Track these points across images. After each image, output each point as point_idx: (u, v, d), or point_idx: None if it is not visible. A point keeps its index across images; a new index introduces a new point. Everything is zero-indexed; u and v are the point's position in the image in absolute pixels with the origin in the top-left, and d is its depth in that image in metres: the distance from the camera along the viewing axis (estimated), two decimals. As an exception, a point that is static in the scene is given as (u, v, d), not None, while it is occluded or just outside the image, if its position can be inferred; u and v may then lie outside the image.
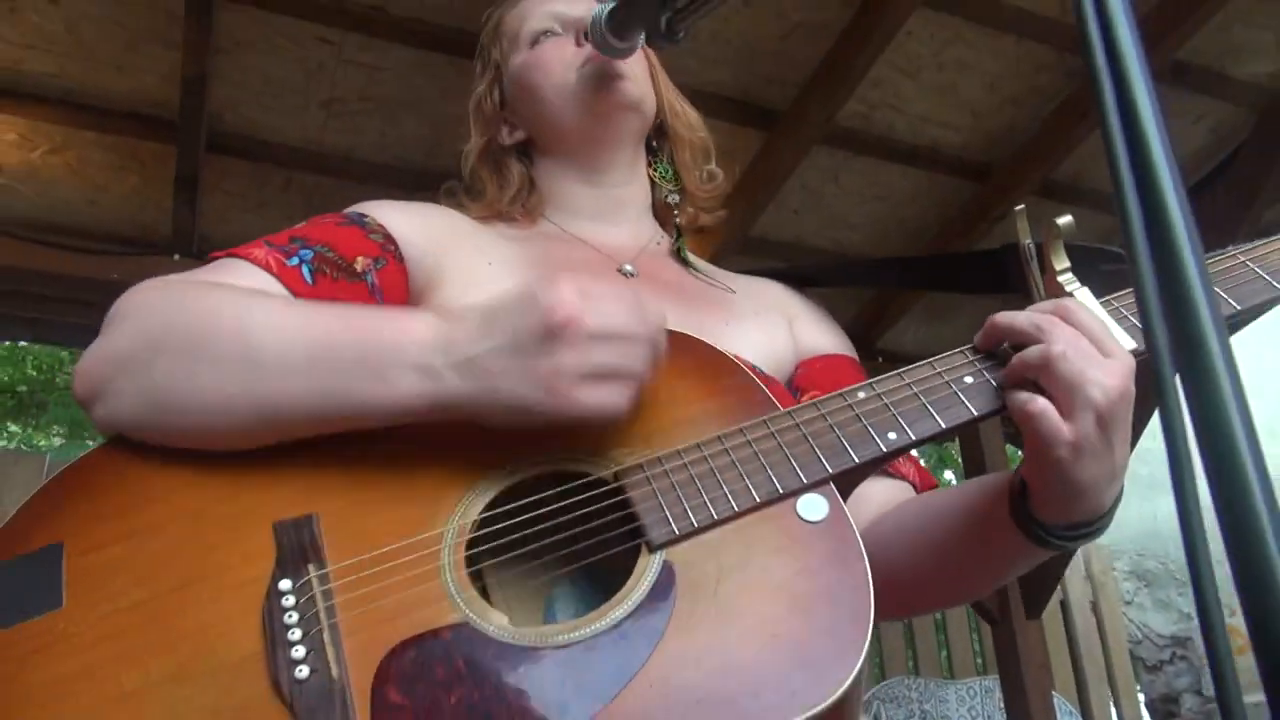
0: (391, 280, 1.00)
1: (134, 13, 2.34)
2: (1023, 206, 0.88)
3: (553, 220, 1.21)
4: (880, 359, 3.89)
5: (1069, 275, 0.85)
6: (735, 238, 3.15)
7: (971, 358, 0.86)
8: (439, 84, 2.65)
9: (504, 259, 1.09)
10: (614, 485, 0.80)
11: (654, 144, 1.29)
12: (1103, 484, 0.81)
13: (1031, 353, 0.80)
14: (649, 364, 0.79)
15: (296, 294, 0.91)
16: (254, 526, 0.79)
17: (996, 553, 0.93)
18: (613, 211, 1.22)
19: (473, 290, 1.00)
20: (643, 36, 1.09)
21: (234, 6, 2.32)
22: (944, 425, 0.82)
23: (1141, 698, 5.68)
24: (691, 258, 1.24)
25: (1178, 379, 0.42)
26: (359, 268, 0.97)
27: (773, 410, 0.84)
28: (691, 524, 0.77)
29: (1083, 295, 0.85)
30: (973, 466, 3.88)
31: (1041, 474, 0.82)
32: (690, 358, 0.87)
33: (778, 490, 0.78)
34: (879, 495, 1.06)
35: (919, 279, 1.34)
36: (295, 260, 0.94)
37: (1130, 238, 0.43)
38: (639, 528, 0.77)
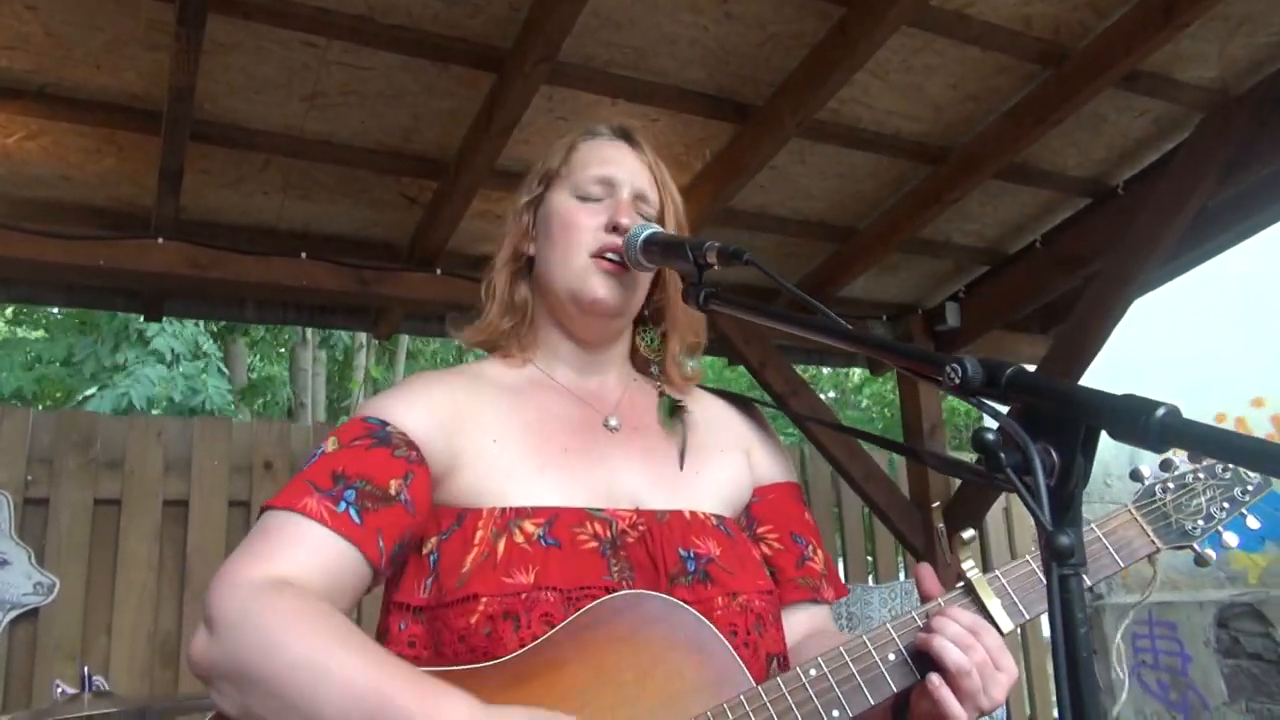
0: (420, 489, 1.13)
1: (112, 19, 2.31)
2: (938, 503, 1.13)
3: (540, 366, 1.33)
4: (838, 306, 4.12)
5: (970, 563, 1.13)
6: (705, 213, 3.27)
7: (893, 635, 1.09)
8: (423, 82, 2.66)
9: (505, 431, 1.22)
10: None
11: (646, 314, 1.39)
12: None
13: (955, 663, 1.04)
14: None
15: (349, 537, 1.06)
16: None
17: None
18: (594, 366, 1.34)
19: (488, 480, 1.16)
20: (663, 270, 1.21)
21: (222, 18, 2.30)
22: (873, 701, 1.05)
23: (1041, 587, 6.31)
24: (671, 405, 1.34)
25: None
26: (393, 490, 1.10)
27: (746, 683, 1.05)
28: None
29: (974, 575, 1.12)
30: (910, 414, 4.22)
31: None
32: (682, 631, 1.07)
33: None
34: (804, 622, 1.29)
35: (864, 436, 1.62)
36: (343, 506, 1.07)
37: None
38: None
